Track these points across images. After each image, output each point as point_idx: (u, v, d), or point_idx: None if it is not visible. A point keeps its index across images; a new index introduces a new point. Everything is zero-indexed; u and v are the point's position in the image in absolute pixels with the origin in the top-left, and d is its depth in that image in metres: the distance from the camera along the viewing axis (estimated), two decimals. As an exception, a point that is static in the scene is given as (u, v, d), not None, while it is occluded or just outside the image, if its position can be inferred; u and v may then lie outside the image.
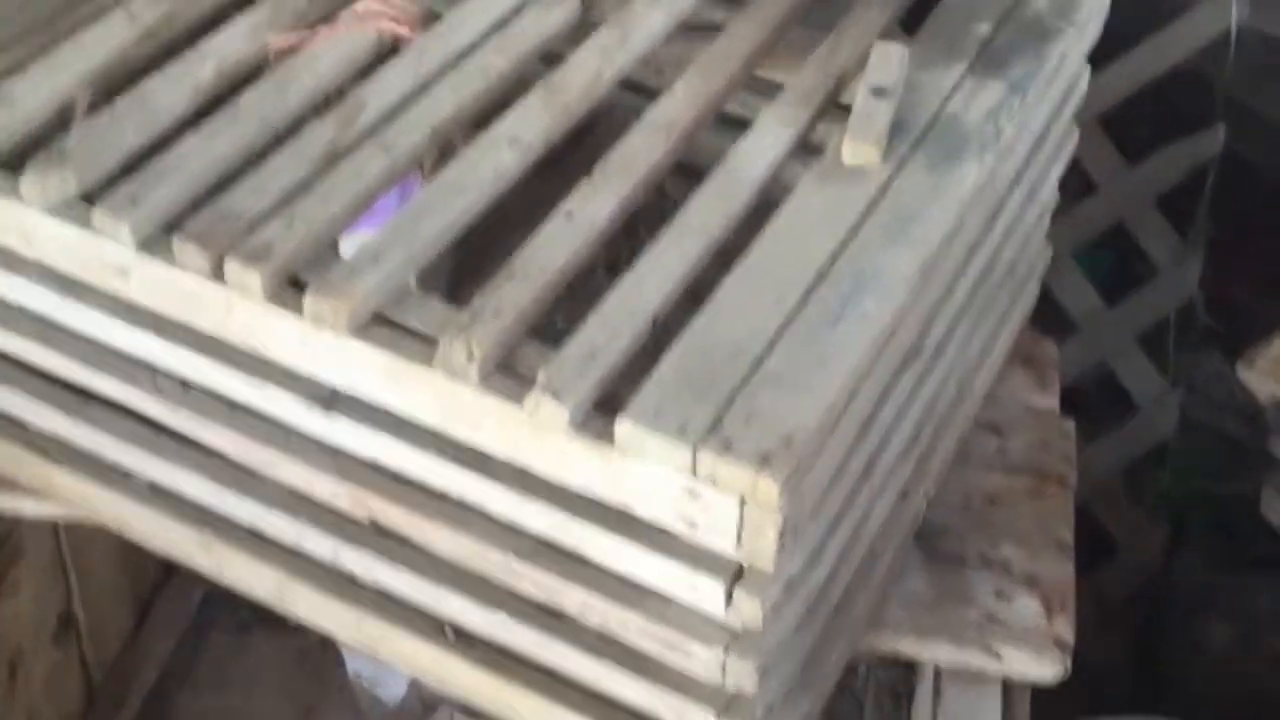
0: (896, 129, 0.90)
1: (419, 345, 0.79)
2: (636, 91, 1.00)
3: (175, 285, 0.84)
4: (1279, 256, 1.92)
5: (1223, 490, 1.83)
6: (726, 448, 0.72)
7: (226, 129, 0.89)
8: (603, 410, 0.76)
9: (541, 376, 0.76)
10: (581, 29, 0.99)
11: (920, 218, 0.85)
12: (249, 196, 0.84)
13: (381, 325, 0.80)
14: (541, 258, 0.82)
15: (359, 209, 0.85)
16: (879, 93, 0.90)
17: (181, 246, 0.82)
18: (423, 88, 0.92)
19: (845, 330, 0.79)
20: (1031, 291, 1.25)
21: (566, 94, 0.92)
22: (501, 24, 0.98)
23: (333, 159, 0.87)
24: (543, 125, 0.90)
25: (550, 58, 0.97)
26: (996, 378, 1.21)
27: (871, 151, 0.87)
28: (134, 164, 0.87)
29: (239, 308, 0.83)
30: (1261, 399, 1.36)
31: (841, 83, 0.96)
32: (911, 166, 0.89)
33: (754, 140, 0.90)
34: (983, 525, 1.12)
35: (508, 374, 0.78)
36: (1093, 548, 1.74)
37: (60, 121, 0.91)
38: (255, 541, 0.96)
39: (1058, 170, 1.17)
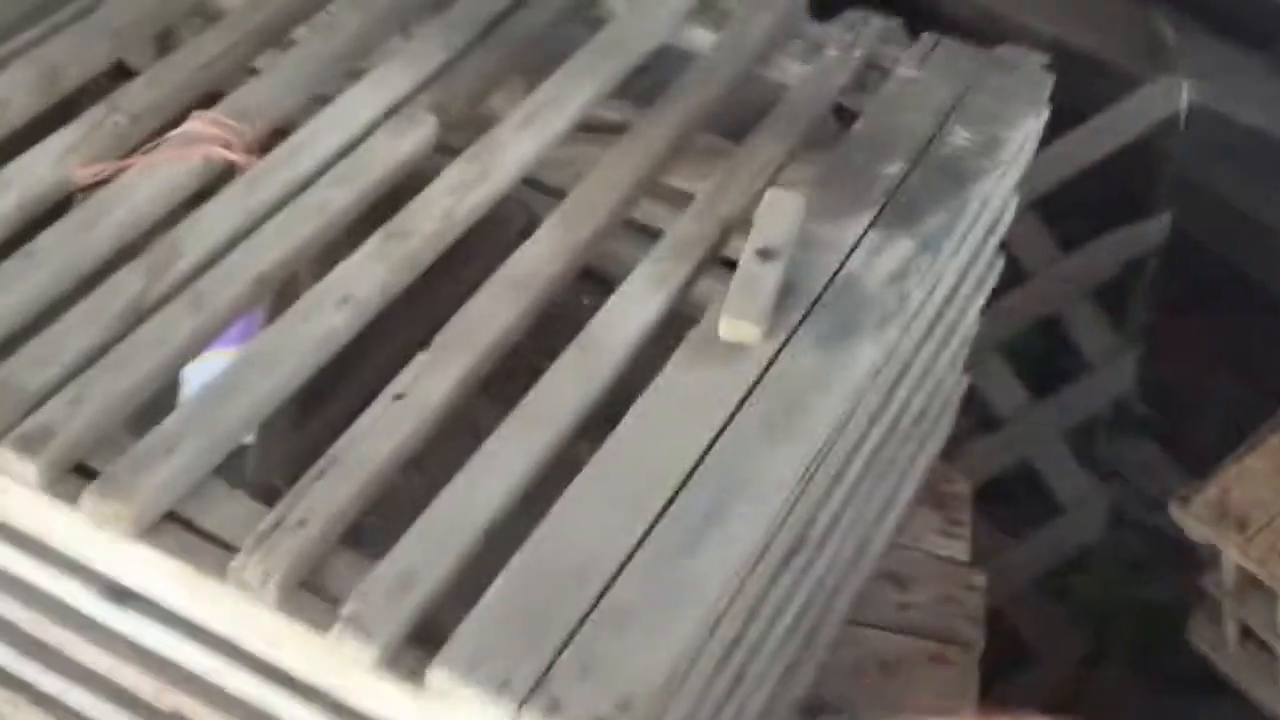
0: (786, 294, 0.80)
1: (214, 551, 0.68)
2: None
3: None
4: (1221, 337, 1.85)
5: (1150, 594, 1.75)
6: (554, 709, 0.62)
7: (18, 277, 0.77)
8: (418, 644, 0.65)
9: (348, 608, 0.65)
10: (439, 156, 0.88)
11: (805, 408, 0.75)
12: (35, 364, 0.73)
13: (173, 525, 0.69)
14: (362, 449, 0.71)
15: (157, 381, 0.74)
16: (766, 254, 0.80)
17: None
18: (249, 228, 0.81)
19: (707, 555, 0.68)
20: (945, 426, 1.15)
21: (409, 241, 0.81)
22: (348, 149, 0.87)
23: (136, 317, 0.76)
24: (379, 279, 0.79)
25: (401, 190, 0.87)
26: (901, 523, 1.12)
27: (751, 328, 0.77)
28: None
29: (15, 494, 0.71)
30: (1195, 540, 1.28)
31: (727, 233, 0.86)
32: (800, 342, 0.78)
33: (620, 305, 0.80)
34: (876, 696, 1.03)
35: (313, 592, 0.67)
36: (1008, 655, 1.66)
37: None
38: (63, 712, 0.85)
39: (979, 301, 1.08)
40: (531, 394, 0.74)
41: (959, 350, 1.09)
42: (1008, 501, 1.79)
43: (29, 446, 0.69)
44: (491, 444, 0.72)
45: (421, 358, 0.76)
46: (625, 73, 0.97)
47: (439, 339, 0.77)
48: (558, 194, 0.91)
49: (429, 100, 0.91)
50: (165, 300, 0.77)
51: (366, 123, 0.89)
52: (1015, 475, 1.79)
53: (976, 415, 1.72)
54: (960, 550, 1.13)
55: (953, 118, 0.95)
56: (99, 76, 0.95)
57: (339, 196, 0.84)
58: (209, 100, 0.90)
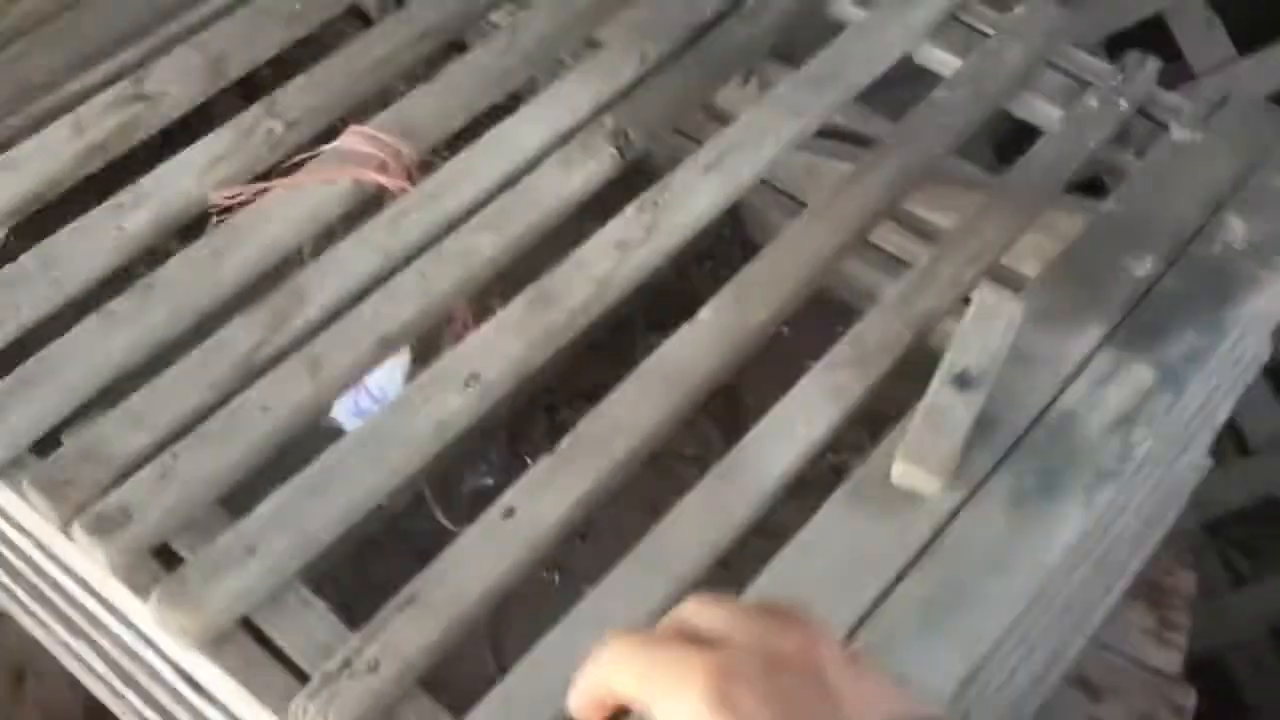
0: (980, 427, 0.67)
1: (280, 679, 0.61)
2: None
3: (28, 521, 0.68)
4: None
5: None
6: None
7: (133, 313, 0.71)
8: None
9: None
10: (614, 195, 0.77)
11: (981, 592, 0.63)
12: (127, 426, 0.67)
13: (243, 635, 0.63)
14: (456, 581, 0.63)
15: (256, 458, 0.67)
16: (964, 381, 0.67)
17: (30, 493, 0.65)
18: (384, 275, 0.73)
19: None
20: (1175, 513, 1.00)
21: (555, 310, 0.71)
22: (510, 182, 0.77)
23: (245, 377, 0.69)
24: (512, 357, 0.70)
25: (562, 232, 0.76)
26: (1106, 623, 0.98)
27: (930, 479, 0.65)
28: (14, 351, 0.70)
29: (93, 571, 0.66)
30: None
31: (923, 334, 0.73)
32: (989, 498, 0.66)
33: (780, 421, 0.68)
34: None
35: (379, 745, 0.60)
36: (1222, 707, 1.50)
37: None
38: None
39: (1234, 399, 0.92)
40: (653, 534, 0.64)
41: (1203, 446, 0.93)
42: (1251, 533, 1.61)
43: (103, 529, 0.63)
44: (597, 597, 0.62)
45: (543, 465, 0.66)
46: (840, 105, 0.83)
47: (566, 443, 0.67)
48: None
49: (610, 126, 0.80)
50: (280, 358, 0.70)
51: (533, 151, 0.78)
52: (1265, 506, 1.60)
53: (1226, 436, 1.54)
54: (1172, 661, 0.99)
55: (1230, 204, 0.78)
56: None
57: (487, 244, 0.74)
58: (381, 104, 0.82)
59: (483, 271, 0.74)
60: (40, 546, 0.70)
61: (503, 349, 0.70)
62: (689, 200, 0.77)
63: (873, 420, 0.70)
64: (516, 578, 0.64)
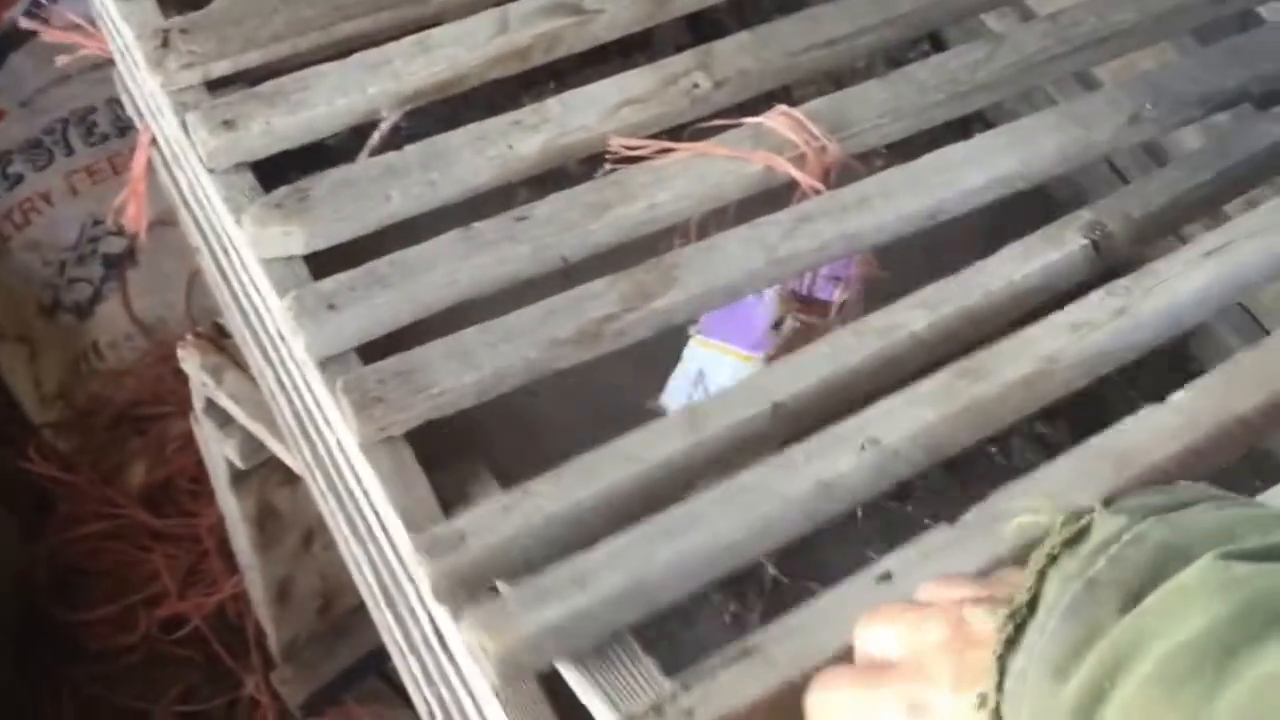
0: None
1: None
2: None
3: (334, 417, 0.60)
4: None
5: None
6: None
7: (492, 245, 0.63)
8: None
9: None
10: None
11: None
12: (455, 361, 0.58)
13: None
14: (809, 636, 0.51)
15: (600, 505, 0.55)
16: None
17: (341, 399, 0.57)
18: (758, 284, 0.62)
19: None
20: None
21: (986, 383, 0.58)
22: (932, 216, 0.65)
23: (585, 344, 0.59)
24: (925, 425, 0.57)
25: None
26: None
27: None
28: (370, 241, 0.64)
29: (374, 485, 0.58)
30: None
31: None
32: None
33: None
34: None
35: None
36: None
37: (354, 141, 0.69)
38: None
39: None
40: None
41: None
42: None
43: (433, 551, 0.53)
44: None
45: (939, 534, 0.53)
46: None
47: (973, 514, 0.54)
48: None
49: (1085, 219, 0.65)
50: (617, 336, 0.60)
51: (969, 190, 0.65)
52: None
53: None
54: None
55: None
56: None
57: (917, 323, 0.61)
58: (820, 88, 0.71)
59: (907, 352, 0.61)
60: (340, 446, 0.62)
61: (911, 416, 0.57)
62: (1176, 285, 0.62)
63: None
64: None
